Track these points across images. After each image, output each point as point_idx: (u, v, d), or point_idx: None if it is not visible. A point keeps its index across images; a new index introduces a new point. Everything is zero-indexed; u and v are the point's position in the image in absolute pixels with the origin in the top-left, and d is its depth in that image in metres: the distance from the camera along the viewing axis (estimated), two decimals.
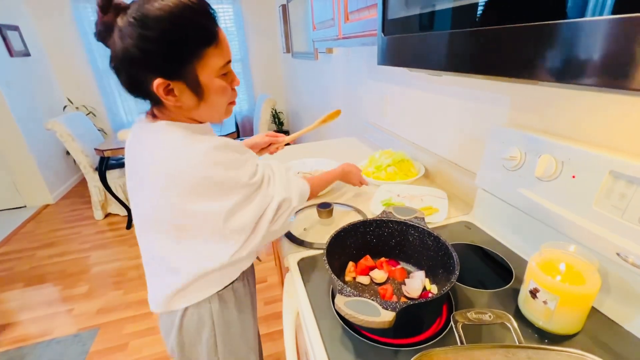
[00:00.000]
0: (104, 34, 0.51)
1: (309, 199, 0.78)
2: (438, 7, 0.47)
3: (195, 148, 0.55)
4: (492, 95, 0.86)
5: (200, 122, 0.63)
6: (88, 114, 3.59)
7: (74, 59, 3.44)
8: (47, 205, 3.19)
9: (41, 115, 3.10)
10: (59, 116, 2.67)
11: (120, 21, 0.49)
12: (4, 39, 2.82)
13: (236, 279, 0.72)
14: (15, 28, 2.97)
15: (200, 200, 0.55)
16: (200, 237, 0.60)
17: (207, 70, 0.55)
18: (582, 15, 0.28)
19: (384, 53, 0.62)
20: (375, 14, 0.79)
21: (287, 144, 1.09)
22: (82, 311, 1.86)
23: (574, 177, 0.60)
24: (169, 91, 0.54)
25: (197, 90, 0.56)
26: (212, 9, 0.54)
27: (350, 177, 0.98)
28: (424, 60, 0.52)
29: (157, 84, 0.52)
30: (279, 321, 1.71)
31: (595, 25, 0.28)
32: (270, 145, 1.03)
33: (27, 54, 3.10)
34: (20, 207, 3.14)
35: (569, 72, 0.30)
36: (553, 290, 0.50)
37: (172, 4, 0.49)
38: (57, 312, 1.87)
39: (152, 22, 0.48)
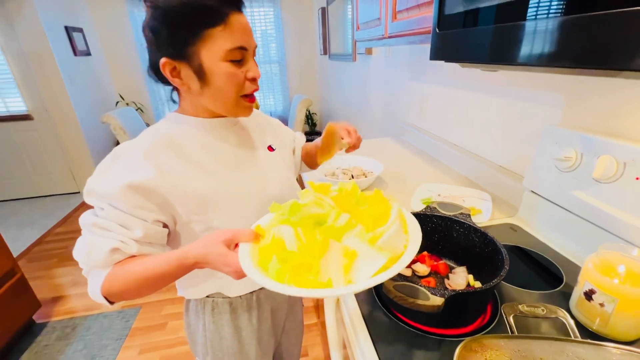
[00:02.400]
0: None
1: (109, 295, 0.53)
2: (498, 1, 0.48)
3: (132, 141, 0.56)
4: (542, 94, 0.83)
5: (214, 114, 0.61)
6: (137, 109, 3.86)
7: (127, 58, 3.73)
8: None
9: (97, 110, 3.39)
10: (112, 110, 2.90)
11: (145, 9, 0.53)
12: (70, 40, 3.11)
13: (238, 296, 0.69)
14: (80, 30, 3.27)
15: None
16: None
17: (211, 53, 0.52)
18: None
19: (438, 48, 0.63)
20: (426, 12, 0.80)
21: None
22: None
23: (637, 178, 0.57)
24: (176, 73, 0.54)
25: (200, 73, 0.53)
26: None
27: (209, 266, 0.49)
28: (480, 55, 0.53)
29: (163, 63, 0.52)
30: (306, 315, 1.74)
31: None
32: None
33: (89, 54, 3.40)
34: (75, 193, 3.44)
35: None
36: (611, 292, 0.48)
37: None
38: None
39: (161, 3, 0.50)
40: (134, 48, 3.68)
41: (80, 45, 3.26)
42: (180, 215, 0.57)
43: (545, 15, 0.39)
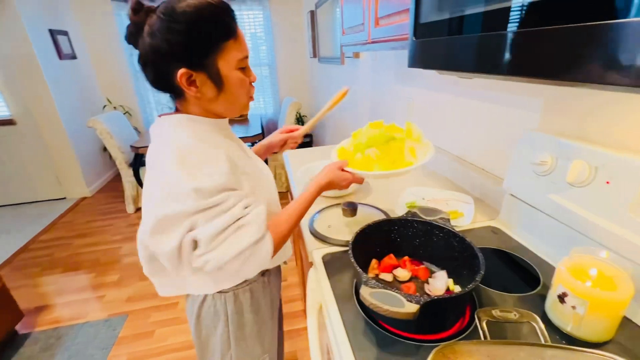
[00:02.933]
0: (134, 34, 0.57)
1: (276, 250, 0.63)
2: (471, 11, 0.48)
3: (174, 140, 0.58)
4: (522, 99, 0.85)
5: (219, 117, 0.66)
6: (125, 113, 3.81)
7: (114, 62, 3.68)
8: (84, 198, 3.40)
9: (83, 114, 3.33)
10: (99, 115, 2.86)
11: (150, 19, 0.55)
12: (55, 43, 3.06)
13: (255, 281, 0.75)
14: (65, 33, 3.22)
15: (147, 200, 0.58)
16: None
17: (227, 62, 0.59)
18: (625, 16, 0.29)
19: (415, 56, 0.64)
20: (406, 19, 0.81)
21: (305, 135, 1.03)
22: (112, 298, 1.98)
23: (608, 183, 0.59)
24: (191, 82, 0.58)
25: (218, 81, 0.59)
26: (232, 9, 0.59)
27: (333, 186, 0.76)
28: (456, 63, 0.53)
29: (181, 73, 0.56)
30: (296, 320, 1.73)
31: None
32: (286, 142, 0.98)
33: (74, 57, 3.35)
34: (61, 199, 3.37)
35: (610, 73, 0.31)
36: (582, 295, 0.49)
37: (198, 2, 0.54)
38: (90, 298, 1.99)
39: (179, 16, 0.53)
40: (120, 51, 3.63)
41: (66, 49, 3.21)
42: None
43: (505, 28, 0.40)
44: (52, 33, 3.03)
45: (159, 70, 0.58)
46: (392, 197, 1.07)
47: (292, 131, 0.98)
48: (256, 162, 0.75)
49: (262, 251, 0.59)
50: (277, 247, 0.63)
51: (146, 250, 0.64)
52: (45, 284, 2.14)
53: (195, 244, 0.56)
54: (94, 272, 2.22)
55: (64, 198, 3.38)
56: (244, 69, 0.62)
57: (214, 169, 0.56)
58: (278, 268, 0.87)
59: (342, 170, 0.77)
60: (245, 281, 0.73)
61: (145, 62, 0.58)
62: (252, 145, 1.18)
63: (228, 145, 0.65)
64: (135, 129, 3.91)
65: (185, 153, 0.55)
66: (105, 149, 3.42)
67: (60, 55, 3.12)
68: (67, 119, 3.14)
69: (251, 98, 0.68)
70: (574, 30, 0.33)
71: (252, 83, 0.66)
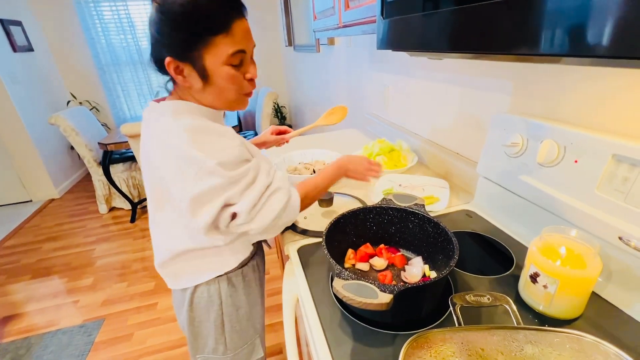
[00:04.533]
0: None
1: (302, 207, 0.68)
2: None
3: (181, 123, 0.57)
4: (493, 82, 0.85)
5: (212, 108, 0.65)
6: (92, 109, 3.61)
7: (77, 54, 3.45)
8: (52, 200, 3.22)
9: (45, 111, 3.12)
10: (62, 111, 2.68)
11: (153, 7, 0.57)
12: (7, 34, 2.83)
13: (245, 264, 0.77)
14: (18, 23, 2.98)
15: (176, 181, 0.58)
16: (172, 217, 0.66)
17: (215, 57, 0.57)
18: None
19: (384, 37, 0.61)
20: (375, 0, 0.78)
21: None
22: (87, 303, 1.89)
23: (576, 162, 0.59)
24: (179, 71, 0.59)
25: (203, 74, 0.59)
26: (234, 2, 0.57)
27: (349, 172, 0.78)
28: (424, 42, 0.51)
29: (167, 62, 0.57)
30: (280, 312, 1.71)
31: None
32: (279, 143, 1.07)
33: (31, 49, 3.11)
34: (26, 202, 3.18)
35: (575, 43, 0.30)
36: (553, 274, 0.50)
37: None
38: (63, 304, 1.89)
39: (168, 7, 0.54)
40: (84, 42, 3.40)
41: (20, 40, 2.98)
42: None
43: (468, 2, 0.38)
44: (4, 23, 2.80)
45: (155, 56, 0.60)
46: (368, 185, 1.06)
47: (282, 132, 1.06)
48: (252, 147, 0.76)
49: (293, 207, 0.64)
50: (302, 205, 0.67)
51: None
52: (13, 292, 2.02)
53: (234, 215, 0.59)
54: (65, 277, 2.12)
55: (30, 201, 3.18)
56: (238, 65, 0.60)
57: (227, 143, 0.58)
58: (262, 254, 0.88)
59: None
60: (239, 263, 0.75)
61: (150, 49, 0.61)
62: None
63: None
64: (105, 125, 3.72)
65: (198, 132, 0.57)
66: (72, 147, 3.23)
67: (14, 47, 2.89)
68: (27, 116, 2.93)
69: (247, 94, 0.66)
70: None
71: (252, 80, 0.64)
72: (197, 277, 0.72)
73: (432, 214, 1.00)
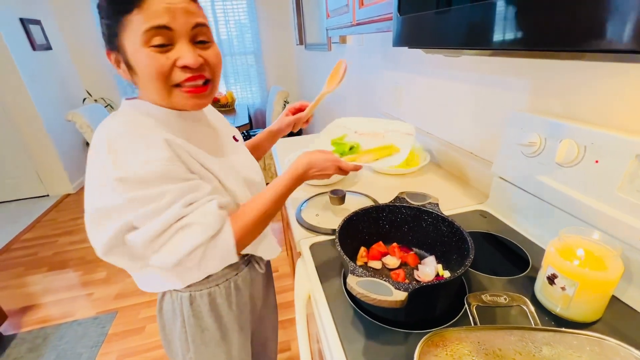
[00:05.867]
0: None
1: (244, 244, 0.58)
2: None
3: (109, 124, 0.52)
4: (509, 79, 0.83)
5: (161, 106, 0.55)
6: (106, 106, 3.68)
7: (93, 52, 3.53)
8: (67, 195, 3.31)
9: (63, 107, 3.20)
10: (79, 108, 2.75)
11: None
12: (27, 33, 2.91)
13: (216, 285, 0.67)
14: (37, 22, 3.06)
15: (86, 187, 0.51)
16: None
17: (131, 40, 0.49)
18: None
19: (400, 34, 0.61)
20: None
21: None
22: (101, 295, 1.94)
23: (597, 162, 0.58)
24: (118, 62, 0.53)
25: (127, 63, 0.51)
26: None
27: (312, 174, 0.66)
28: (442, 39, 0.51)
29: (106, 52, 0.53)
30: (289, 310, 1.73)
31: None
32: (295, 124, 0.91)
33: (49, 48, 3.19)
34: (43, 196, 3.27)
35: (599, 38, 0.29)
36: (572, 276, 0.49)
37: None
38: (78, 296, 1.95)
39: None
40: (99, 41, 3.47)
41: (39, 39, 3.06)
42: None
43: None
44: (24, 22, 2.88)
45: None
46: (381, 184, 1.05)
47: (298, 110, 0.90)
48: (233, 157, 0.67)
49: (220, 248, 0.53)
50: (243, 240, 0.57)
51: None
52: (30, 283, 2.08)
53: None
54: (80, 270, 2.17)
55: (47, 195, 3.27)
56: (161, 47, 0.49)
57: (151, 156, 0.48)
58: (256, 273, 0.76)
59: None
60: (205, 281, 0.66)
61: None
62: (246, 134, 1.14)
63: (180, 140, 0.55)
64: None
65: (119, 137, 0.49)
66: (87, 143, 3.30)
67: (34, 46, 2.97)
68: (45, 113, 3.01)
69: (191, 92, 0.53)
70: None
71: (186, 68, 0.51)
72: (161, 283, 0.64)
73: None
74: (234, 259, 0.55)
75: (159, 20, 0.47)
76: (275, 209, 0.62)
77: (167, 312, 0.68)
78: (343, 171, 0.69)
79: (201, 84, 0.54)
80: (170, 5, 0.48)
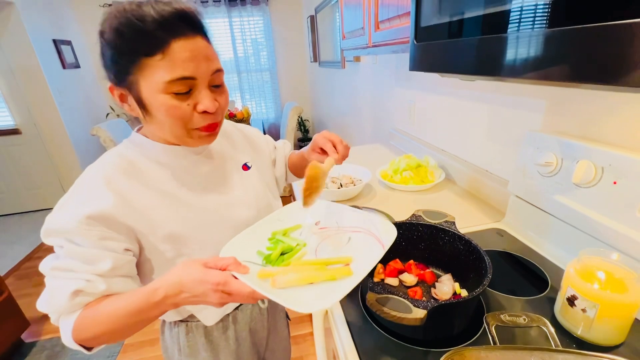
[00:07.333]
0: None
1: (83, 342, 0.49)
2: (471, 14, 0.48)
3: (104, 158, 0.55)
4: (524, 100, 0.85)
5: (169, 144, 0.57)
6: (128, 120, 3.84)
7: None
8: None
9: (87, 122, 3.36)
10: (102, 122, 2.88)
11: None
12: (59, 53, 3.10)
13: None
14: (69, 43, 3.26)
15: None
16: None
17: (149, 84, 0.48)
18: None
19: (416, 59, 0.64)
20: (406, 23, 0.81)
21: None
22: None
23: (615, 183, 0.58)
24: (124, 98, 0.52)
25: (140, 103, 0.50)
26: (170, 17, 0.46)
27: (182, 299, 0.44)
28: (457, 65, 0.53)
29: (109, 87, 0.52)
30: (302, 325, 1.72)
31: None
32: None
33: (77, 66, 3.38)
34: None
35: (614, 74, 0.31)
36: (592, 298, 0.49)
37: (114, 8, 0.47)
38: None
39: (101, 26, 0.48)
40: None
41: (69, 58, 3.25)
42: (149, 242, 0.55)
43: (516, 29, 0.40)
44: (56, 43, 3.07)
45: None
46: (396, 200, 1.07)
47: (323, 151, 0.67)
48: (217, 197, 0.62)
49: (64, 331, 0.48)
50: (85, 342, 0.48)
51: None
52: None
53: None
54: None
55: None
56: (183, 94, 0.49)
57: (72, 210, 0.49)
58: (257, 307, 0.74)
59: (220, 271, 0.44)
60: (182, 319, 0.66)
61: None
62: None
63: (167, 181, 0.57)
64: None
65: (77, 182, 0.52)
66: None
67: (64, 64, 3.16)
68: (71, 127, 3.17)
69: (202, 129, 0.53)
70: (575, 31, 0.33)
71: (206, 113, 0.51)
72: None
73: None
74: (78, 349, 0.49)
75: (184, 72, 0.47)
76: (127, 329, 0.48)
77: (167, 339, 0.70)
78: (235, 297, 0.43)
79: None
80: (193, 53, 0.47)
